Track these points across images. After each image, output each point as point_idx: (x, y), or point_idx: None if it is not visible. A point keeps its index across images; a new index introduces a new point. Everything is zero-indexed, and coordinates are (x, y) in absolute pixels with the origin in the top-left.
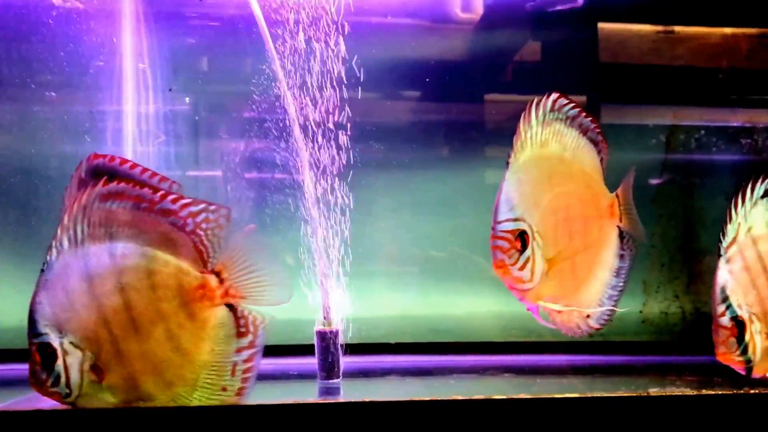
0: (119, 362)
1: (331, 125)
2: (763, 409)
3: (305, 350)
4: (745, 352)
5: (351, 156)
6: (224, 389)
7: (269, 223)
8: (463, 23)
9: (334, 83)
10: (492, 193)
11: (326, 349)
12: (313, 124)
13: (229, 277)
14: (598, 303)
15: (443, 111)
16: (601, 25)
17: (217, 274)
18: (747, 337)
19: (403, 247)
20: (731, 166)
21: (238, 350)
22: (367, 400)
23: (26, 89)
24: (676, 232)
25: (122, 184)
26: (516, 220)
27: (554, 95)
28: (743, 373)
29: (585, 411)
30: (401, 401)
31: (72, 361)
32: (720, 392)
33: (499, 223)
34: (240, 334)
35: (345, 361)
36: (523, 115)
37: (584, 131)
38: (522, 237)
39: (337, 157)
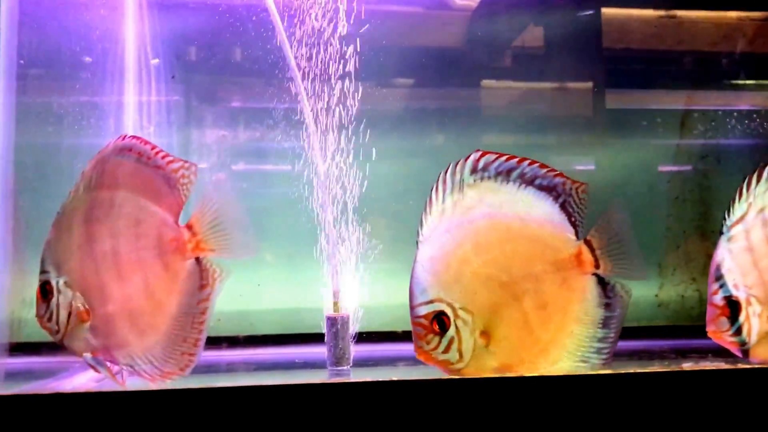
0: (102, 305)
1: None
2: None
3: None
4: (738, 333)
5: (365, 145)
6: (185, 340)
7: (276, 211)
8: (461, 9)
9: (339, 71)
10: None
11: (336, 335)
12: (319, 112)
13: (200, 230)
14: (581, 359)
15: (439, 98)
16: (604, 9)
17: (189, 228)
18: (741, 318)
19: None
20: (747, 148)
21: (198, 302)
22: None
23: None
24: (692, 214)
25: (134, 140)
26: (430, 302)
27: (475, 155)
28: (739, 354)
29: (595, 389)
30: (408, 381)
31: (63, 301)
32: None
33: (413, 308)
34: (201, 287)
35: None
36: (434, 185)
37: (529, 181)
38: (439, 319)
39: (348, 146)
